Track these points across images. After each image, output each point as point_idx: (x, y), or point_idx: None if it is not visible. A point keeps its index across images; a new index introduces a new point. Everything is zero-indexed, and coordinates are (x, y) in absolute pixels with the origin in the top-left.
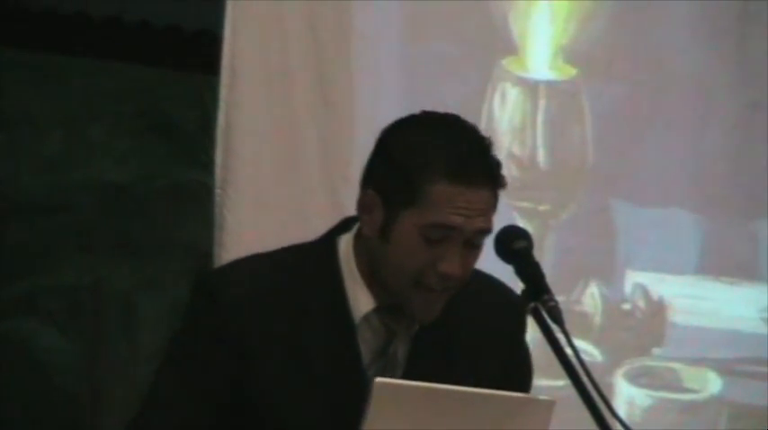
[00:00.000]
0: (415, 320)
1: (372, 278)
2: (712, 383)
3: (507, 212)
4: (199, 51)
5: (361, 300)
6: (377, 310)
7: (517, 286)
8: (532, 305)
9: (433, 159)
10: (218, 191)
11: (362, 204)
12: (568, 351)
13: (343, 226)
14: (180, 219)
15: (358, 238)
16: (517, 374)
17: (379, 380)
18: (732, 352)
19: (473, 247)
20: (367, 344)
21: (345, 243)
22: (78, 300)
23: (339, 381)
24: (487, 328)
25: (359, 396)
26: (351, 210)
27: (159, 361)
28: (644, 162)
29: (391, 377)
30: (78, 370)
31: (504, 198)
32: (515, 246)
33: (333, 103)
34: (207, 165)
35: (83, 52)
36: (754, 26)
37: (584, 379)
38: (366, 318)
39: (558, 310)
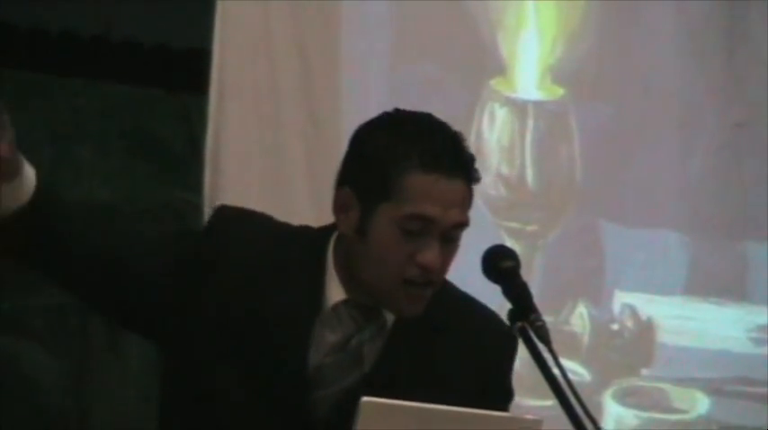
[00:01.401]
0: (401, 316)
1: (347, 276)
2: (700, 403)
3: (495, 232)
4: (186, 70)
5: (332, 291)
6: (346, 303)
7: (505, 305)
8: (520, 325)
9: (407, 151)
10: (207, 210)
11: (338, 203)
12: (556, 371)
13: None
14: None
15: (339, 238)
16: (491, 405)
17: (365, 399)
18: (720, 372)
19: (450, 241)
20: (330, 334)
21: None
22: (65, 318)
23: (278, 360)
24: (469, 354)
25: (292, 382)
26: None
27: None
28: (632, 182)
29: (348, 371)
30: (65, 388)
31: (491, 217)
32: (502, 265)
33: (320, 124)
34: (194, 184)
35: (69, 71)
36: (740, 46)
37: (572, 399)
38: (335, 307)
39: (545, 330)
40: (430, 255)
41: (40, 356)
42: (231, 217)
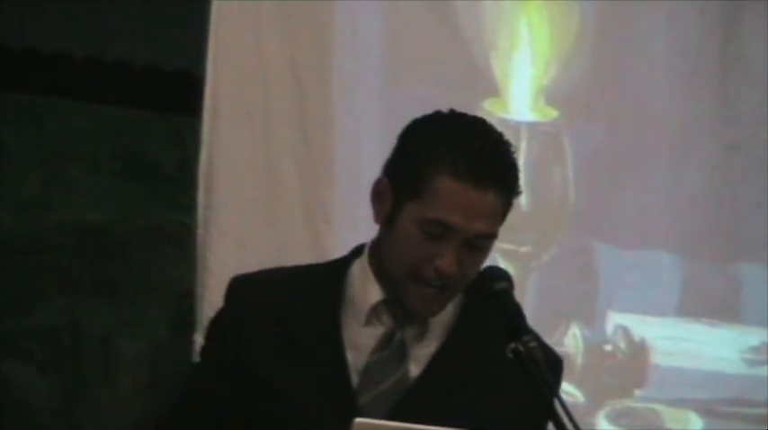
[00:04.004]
0: (413, 314)
1: (384, 277)
2: (693, 424)
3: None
4: (179, 92)
5: (370, 292)
6: (386, 302)
7: None
8: (513, 346)
9: (443, 154)
10: (200, 231)
11: (375, 191)
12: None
13: (357, 251)
14: (159, 260)
15: (375, 243)
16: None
17: (358, 420)
18: (713, 393)
19: (474, 249)
20: (373, 332)
21: (359, 264)
22: (57, 340)
23: (320, 375)
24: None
25: (337, 388)
26: (332, 249)
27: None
28: (625, 203)
29: (394, 367)
30: (57, 410)
31: None
32: (496, 287)
33: (314, 145)
34: (186, 205)
35: (61, 92)
36: (734, 68)
37: (566, 420)
38: (374, 307)
39: (537, 351)
40: (447, 261)
41: (33, 378)
42: (241, 281)
